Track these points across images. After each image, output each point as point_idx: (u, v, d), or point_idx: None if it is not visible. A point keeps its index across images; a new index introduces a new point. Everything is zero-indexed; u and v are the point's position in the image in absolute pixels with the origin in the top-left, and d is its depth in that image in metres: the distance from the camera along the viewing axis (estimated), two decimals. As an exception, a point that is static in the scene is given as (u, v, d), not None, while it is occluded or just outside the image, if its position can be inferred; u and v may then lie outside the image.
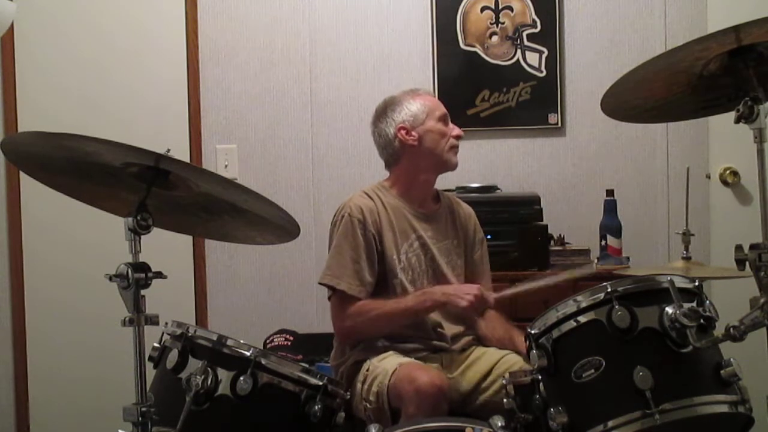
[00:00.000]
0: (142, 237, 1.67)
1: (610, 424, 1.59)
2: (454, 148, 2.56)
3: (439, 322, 2.48)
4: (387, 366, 2.27)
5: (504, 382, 1.81)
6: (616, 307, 1.64)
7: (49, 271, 3.58)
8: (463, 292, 2.36)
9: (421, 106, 2.56)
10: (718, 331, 1.62)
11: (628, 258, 3.25)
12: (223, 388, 1.77)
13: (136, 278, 1.64)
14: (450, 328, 2.49)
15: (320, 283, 2.48)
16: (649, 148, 3.57)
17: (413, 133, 2.53)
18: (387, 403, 2.22)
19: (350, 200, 2.51)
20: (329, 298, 2.48)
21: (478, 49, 3.59)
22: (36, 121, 3.52)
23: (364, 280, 2.42)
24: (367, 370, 2.34)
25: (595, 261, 3.08)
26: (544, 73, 3.57)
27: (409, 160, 2.54)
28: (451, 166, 2.58)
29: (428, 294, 2.41)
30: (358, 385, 2.33)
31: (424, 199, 2.59)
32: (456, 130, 2.57)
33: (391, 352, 2.36)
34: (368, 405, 2.27)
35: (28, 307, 3.59)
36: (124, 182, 1.73)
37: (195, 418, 1.74)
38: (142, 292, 1.66)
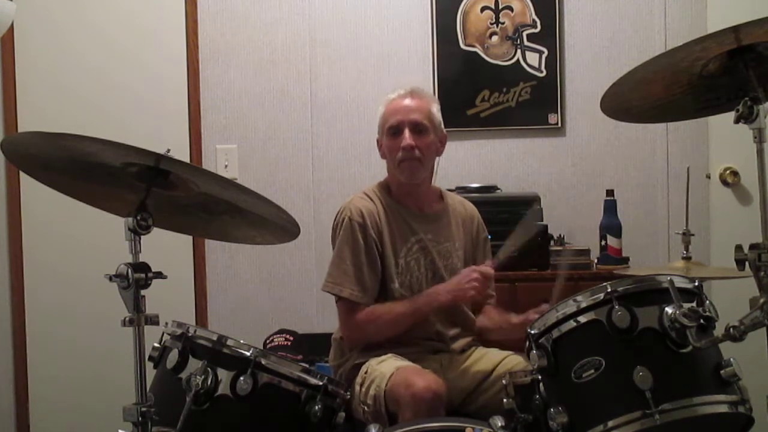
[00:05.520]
0: (142, 237, 1.67)
1: (610, 424, 1.58)
2: (404, 162, 2.45)
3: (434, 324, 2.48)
4: (385, 369, 2.27)
5: (504, 382, 1.81)
6: (616, 307, 1.64)
7: (49, 271, 3.58)
8: (465, 282, 2.38)
9: (380, 118, 2.53)
10: (718, 331, 1.62)
11: (626, 259, 3.26)
12: (223, 388, 1.77)
13: (136, 278, 1.64)
14: (448, 330, 2.49)
15: (323, 290, 2.47)
16: (649, 148, 3.57)
17: (381, 143, 2.54)
18: (384, 407, 2.22)
19: (350, 202, 2.50)
20: (336, 303, 2.47)
21: (478, 49, 3.59)
22: (36, 121, 3.52)
23: (367, 285, 2.41)
24: (366, 373, 2.34)
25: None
26: (544, 73, 3.57)
27: (388, 168, 2.55)
28: (404, 182, 2.51)
29: (433, 296, 2.42)
30: (357, 388, 2.33)
31: (424, 200, 2.57)
32: (404, 141, 2.43)
33: (390, 355, 2.36)
34: (366, 408, 2.27)
35: (28, 307, 3.59)
36: (124, 182, 1.73)
37: (195, 418, 1.74)
38: (142, 292, 1.66)
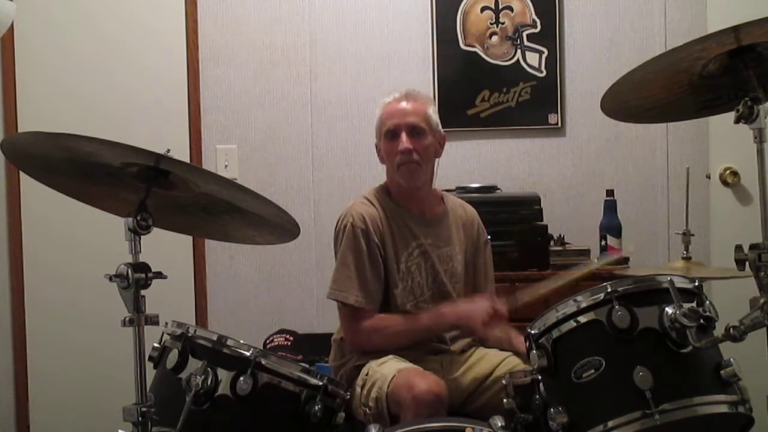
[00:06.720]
0: (142, 237, 1.67)
1: (610, 424, 1.58)
2: (402, 166, 2.43)
3: None
4: (386, 371, 2.26)
5: (504, 382, 1.81)
6: (616, 307, 1.64)
7: (49, 271, 3.58)
8: (477, 314, 2.35)
9: (377, 121, 2.51)
10: (718, 331, 1.62)
11: (627, 259, 3.25)
12: (223, 388, 1.77)
13: (136, 278, 1.64)
14: (448, 330, 2.49)
15: (329, 298, 2.46)
16: (649, 148, 3.57)
17: (379, 147, 2.53)
18: (386, 409, 2.21)
19: (352, 208, 2.48)
20: (340, 308, 2.46)
21: (478, 50, 3.59)
22: (36, 121, 3.52)
23: (371, 291, 2.41)
24: (367, 374, 2.33)
25: (596, 260, 3.08)
26: (544, 73, 3.57)
27: (388, 172, 2.54)
28: (405, 186, 2.49)
29: (443, 316, 2.41)
30: (358, 389, 2.33)
31: (425, 203, 2.55)
32: (402, 145, 2.41)
33: (390, 356, 2.36)
34: (368, 410, 2.27)
35: (28, 307, 3.59)
36: (124, 182, 1.73)
37: (195, 418, 1.74)
38: (142, 292, 1.66)
